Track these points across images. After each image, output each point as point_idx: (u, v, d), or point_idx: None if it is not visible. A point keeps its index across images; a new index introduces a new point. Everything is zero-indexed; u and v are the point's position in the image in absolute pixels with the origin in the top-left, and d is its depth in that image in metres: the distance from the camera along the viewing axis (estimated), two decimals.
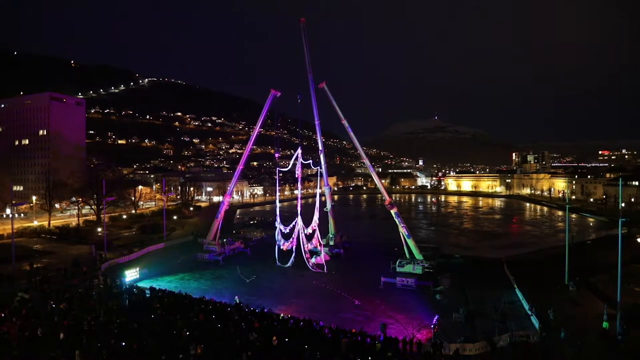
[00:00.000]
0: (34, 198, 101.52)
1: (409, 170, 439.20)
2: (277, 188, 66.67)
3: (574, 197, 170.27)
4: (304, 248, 56.76)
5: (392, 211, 57.66)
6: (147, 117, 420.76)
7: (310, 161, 63.60)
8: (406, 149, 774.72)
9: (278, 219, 59.20)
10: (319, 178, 66.74)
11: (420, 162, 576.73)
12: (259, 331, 31.24)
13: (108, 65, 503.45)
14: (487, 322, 34.44)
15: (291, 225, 57.95)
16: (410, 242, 55.83)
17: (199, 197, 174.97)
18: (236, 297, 40.83)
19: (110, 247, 64.53)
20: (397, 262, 54.51)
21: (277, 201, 65.53)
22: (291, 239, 57.53)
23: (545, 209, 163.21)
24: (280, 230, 58.63)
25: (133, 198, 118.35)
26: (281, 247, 57.83)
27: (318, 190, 63.73)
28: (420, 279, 49.41)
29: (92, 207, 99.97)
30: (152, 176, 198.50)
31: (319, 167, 66.71)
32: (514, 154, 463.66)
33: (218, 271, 55.80)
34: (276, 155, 73.95)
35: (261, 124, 65.81)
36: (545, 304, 38.47)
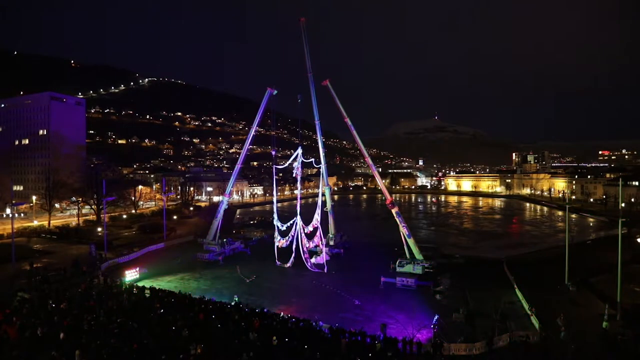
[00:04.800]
0: (34, 198, 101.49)
1: (409, 170, 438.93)
2: (274, 186, 66.79)
3: (574, 197, 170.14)
4: (303, 248, 56.71)
5: (394, 211, 57.62)
6: (147, 117, 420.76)
7: (312, 160, 63.60)
8: (406, 149, 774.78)
9: (275, 215, 59.34)
10: (320, 178, 66.73)
11: (420, 162, 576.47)
12: (259, 331, 31.25)
13: (108, 65, 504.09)
14: (487, 322, 34.42)
15: (289, 223, 58.00)
16: (411, 242, 55.81)
17: (199, 197, 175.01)
18: (235, 296, 40.95)
19: (110, 247, 64.52)
20: (397, 262, 54.49)
21: (275, 199, 65.97)
22: (288, 237, 57.54)
23: (545, 209, 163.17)
24: (278, 227, 58.68)
25: (133, 198, 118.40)
26: (277, 244, 57.87)
27: (320, 190, 63.83)
28: (420, 279, 49.40)
29: (92, 207, 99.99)
30: (152, 176, 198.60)
31: (320, 167, 66.72)
32: (514, 154, 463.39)
33: (218, 271, 55.78)
34: (273, 152, 73.67)
35: (259, 122, 65.84)
36: (545, 304, 38.46)
